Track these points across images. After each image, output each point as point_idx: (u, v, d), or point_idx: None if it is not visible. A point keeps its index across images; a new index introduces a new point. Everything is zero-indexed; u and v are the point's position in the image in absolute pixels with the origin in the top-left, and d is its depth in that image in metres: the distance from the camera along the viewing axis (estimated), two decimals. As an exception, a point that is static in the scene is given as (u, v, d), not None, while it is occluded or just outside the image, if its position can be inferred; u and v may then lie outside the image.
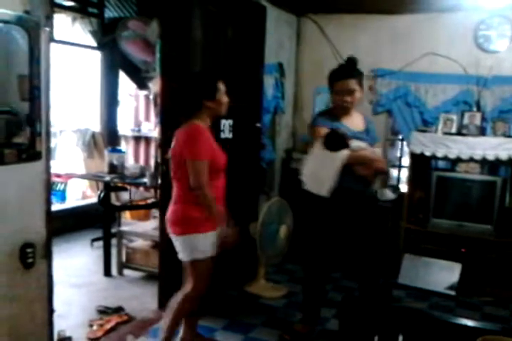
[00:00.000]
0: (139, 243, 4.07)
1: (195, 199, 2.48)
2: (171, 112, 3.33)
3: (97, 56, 5.56)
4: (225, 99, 2.60)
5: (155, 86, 3.71)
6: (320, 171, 2.86)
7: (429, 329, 2.04)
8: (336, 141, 2.81)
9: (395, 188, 2.95)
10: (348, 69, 2.93)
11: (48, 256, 2.29)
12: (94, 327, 3.03)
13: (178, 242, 2.57)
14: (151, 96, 4.00)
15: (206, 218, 2.51)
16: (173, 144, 2.58)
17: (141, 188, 4.85)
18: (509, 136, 4.06)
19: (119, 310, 3.30)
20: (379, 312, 2.18)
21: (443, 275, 3.96)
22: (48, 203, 2.26)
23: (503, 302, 3.79)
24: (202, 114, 2.55)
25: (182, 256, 2.58)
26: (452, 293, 3.87)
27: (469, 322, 2.07)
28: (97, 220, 4.81)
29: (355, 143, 2.82)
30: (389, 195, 2.87)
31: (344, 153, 2.78)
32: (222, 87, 2.58)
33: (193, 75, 2.87)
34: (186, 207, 2.52)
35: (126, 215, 5.42)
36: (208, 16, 3.39)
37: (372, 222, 2.97)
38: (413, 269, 4.02)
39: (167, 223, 2.61)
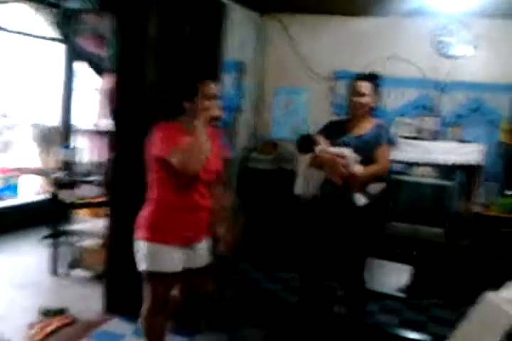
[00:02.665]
0: (89, 242, 3.96)
1: (166, 204, 2.30)
2: (125, 109, 3.26)
3: (60, 48, 5.40)
4: (208, 101, 2.24)
5: (108, 82, 3.60)
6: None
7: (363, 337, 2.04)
8: (303, 144, 2.94)
9: (368, 193, 2.86)
10: (365, 74, 2.94)
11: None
12: (34, 331, 2.93)
13: (138, 248, 2.33)
14: (100, 92, 3.89)
15: (175, 227, 2.30)
16: None
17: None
18: (464, 141, 4.12)
19: (61, 311, 3.18)
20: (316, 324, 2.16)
21: (394, 277, 4.00)
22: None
23: (451, 305, 3.83)
24: (186, 115, 2.30)
25: (140, 265, 2.34)
26: (403, 295, 3.90)
27: (403, 332, 2.07)
28: (50, 217, 4.68)
29: (330, 148, 2.84)
30: (359, 200, 2.81)
31: (307, 156, 2.94)
32: (207, 89, 2.26)
33: (173, 75, 2.67)
34: (156, 211, 2.32)
35: (83, 212, 5.30)
36: (164, 12, 3.30)
37: (347, 228, 2.89)
38: (366, 272, 4.03)
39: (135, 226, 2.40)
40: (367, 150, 2.81)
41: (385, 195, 2.89)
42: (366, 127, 2.89)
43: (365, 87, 2.82)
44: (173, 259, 2.31)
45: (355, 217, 2.86)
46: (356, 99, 2.84)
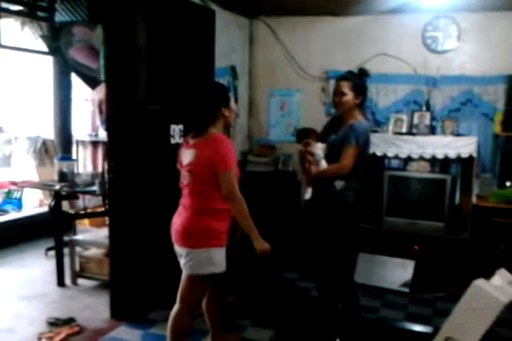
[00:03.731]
0: (93, 251, 4.00)
1: (217, 213, 2.44)
2: (117, 119, 3.30)
3: (49, 61, 5.46)
4: (235, 107, 2.63)
5: (99, 93, 3.64)
6: None
7: (364, 332, 2.07)
8: (300, 137, 3.12)
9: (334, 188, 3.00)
10: (348, 73, 3.03)
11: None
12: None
13: (192, 255, 2.44)
14: (92, 103, 3.93)
15: (225, 232, 2.48)
16: (191, 156, 2.44)
17: (97, 195, 4.78)
18: (458, 135, 4.15)
19: (70, 321, 3.23)
20: (315, 317, 2.20)
21: (397, 272, 4.02)
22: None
23: (454, 297, 3.85)
24: (218, 123, 2.49)
25: (195, 270, 2.46)
26: (406, 290, 3.93)
27: (405, 325, 2.11)
28: (53, 229, 4.73)
29: (312, 144, 2.99)
30: (306, 194, 2.96)
31: None
32: (231, 96, 2.61)
33: (207, 84, 2.80)
34: (208, 220, 2.44)
35: (85, 222, 5.35)
36: (153, 21, 3.35)
37: (326, 222, 2.99)
38: (368, 267, 4.07)
39: (179, 236, 2.50)
40: (337, 149, 2.93)
41: (350, 192, 2.95)
42: (346, 125, 2.97)
43: (344, 85, 2.91)
44: (224, 259, 2.52)
45: (322, 212, 3.00)
46: (335, 98, 2.95)
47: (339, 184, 2.92)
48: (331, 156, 2.94)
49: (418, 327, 1.86)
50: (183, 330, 2.61)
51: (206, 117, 2.48)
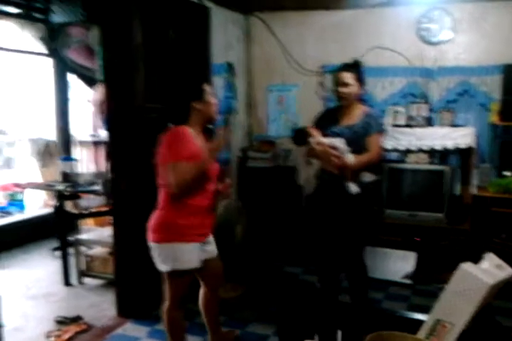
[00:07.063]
0: (98, 250, 4.05)
1: (182, 207, 2.40)
2: (117, 119, 3.34)
3: (49, 63, 5.49)
4: (213, 100, 2.51)
5: (98, 93, 3.67)
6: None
7: (367, 322, 2.08)
8: (298, 137, 3.06)
9: (360, 181, 2.98)
10: (347, 64, 3.04)
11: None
12: (52, 339, 3.02)
13: (157, 251, 2.43)
14: (93, 104, 3.96)
15: (192, 227, 2.42)
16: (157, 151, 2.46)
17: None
18: (455, 126, 4.18)
19: (77, 319, 3.29)
20: (318, 309, 2.22)
21: (399, 264, 4.06)
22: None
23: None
24: (193, 118, 2.45)
25: (161, 266, 2.45)
26: (409, 281, 3.97)
27: (408, 314, 2.12)
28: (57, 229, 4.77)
29: (323, 139, 2.93)
30: (353, 188, 2.92)
31: (303, 148, 3.08)
32: (208, 88, 2.51)
33: (178, 80, 2.80)
34: (171, 214, 2.41)
35: (89, 222, 5.39)
36: (149, 20, 3.38)
37: (350, 215, 3.00)
38: (370, 260, 4.08)
39: (148, 230, 2.49)
40: (358, 140, 2.92)
41: (378, 186, 2.96)
42: (356, 116, 2.99)
43: (348, 76, 2.93)
44: (199, 255, 2.48)
45: (350, 205, 2.96)
46: (341, 89, 2.95)
47: (370, 176, 2.95)
48: (354, 147, 2.90)
49: (420, 316, 1.88)
50: (175, 325, 2.61)
51: (178, 113, 2.47)
